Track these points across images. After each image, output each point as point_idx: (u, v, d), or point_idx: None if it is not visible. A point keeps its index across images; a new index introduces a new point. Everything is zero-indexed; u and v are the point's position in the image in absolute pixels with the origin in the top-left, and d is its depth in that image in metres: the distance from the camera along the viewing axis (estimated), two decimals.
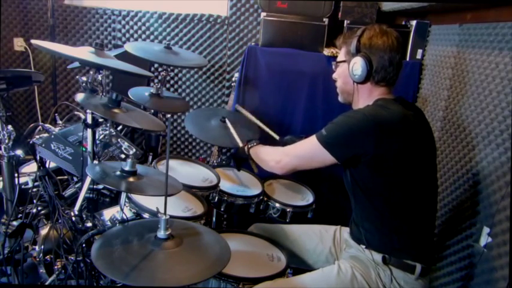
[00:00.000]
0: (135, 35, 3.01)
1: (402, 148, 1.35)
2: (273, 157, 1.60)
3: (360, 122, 1.35)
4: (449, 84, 1.94)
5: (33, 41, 1.43)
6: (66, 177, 1.92)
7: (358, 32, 1.46)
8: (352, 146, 1.36)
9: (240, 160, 1.93)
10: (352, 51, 1.45)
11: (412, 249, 1.40)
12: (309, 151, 1.47)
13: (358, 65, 1.43)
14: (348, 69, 1.47)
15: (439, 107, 2.01)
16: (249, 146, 1.80)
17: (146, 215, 1.45)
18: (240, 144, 1.89)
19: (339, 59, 1.55)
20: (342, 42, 1.54)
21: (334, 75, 1.59)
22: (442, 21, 2.12)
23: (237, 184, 1.94)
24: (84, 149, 1.58)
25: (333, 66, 1.60)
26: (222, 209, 1.79)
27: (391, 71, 1.43)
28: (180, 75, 3.06)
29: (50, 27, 3.01)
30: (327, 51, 2.25)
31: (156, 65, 2.85)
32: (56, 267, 1.62)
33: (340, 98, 1.60)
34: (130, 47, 1.81)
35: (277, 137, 1.92)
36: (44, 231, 1.69)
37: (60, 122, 2.01)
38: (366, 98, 1.48)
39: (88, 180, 1.57)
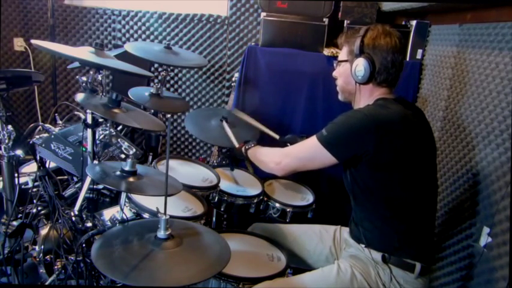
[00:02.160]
0: (135, 35, 3.01)
1: (402, 147, 1.35)
2: (273, 158, 1.60)
3: (361, 122, 1.35)
4: (449, 84, 1.94)
5: (33, 41, 1.43)
6: (66, 177, 1.92)
7: (361, 31, 1.45)
8: (353, 146, 1.36)
9: (236, 159, 1.93)
10: (355, 51, 1.44)
11: (412, 248, 1.40)
12: (309, 151, 1.47)
13: (361, 66, 1.42)
14: (351, 69, 1.47)
15: (439, 107, 2.01)
16: (247, 147, 1.78)
17: (146, 215, 1.45)
18: (236, 145, 1.88)
19: (340, 58, 1.55)
20: (344, 41, 1.53)
21: (335, 74, 1.58)
22: (442, 21, 2.12)
23: (237, 184, 1.94)
24: (84, 149, 1.58)
25: (334, 65, 1.60)
26: (222, 209, 1.79)
27: (393, 72, 1.43)
28: (180, 75, 3.06)
29: (50, 27, 3.02)
30: (327, 51, 2.25)
31: (156, 65, 2.86)
32: (56, 267, 1.62)
33: (340, 97, 1.60)
34: (130, 47, 1.81)
35: (277, 137, 1.91)
36: (44, 231, 1.69)
37: (60, 122, 2.01)
38: (367, 97, 1.48)
39: (88, 180, 1.57)
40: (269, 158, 1.63)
